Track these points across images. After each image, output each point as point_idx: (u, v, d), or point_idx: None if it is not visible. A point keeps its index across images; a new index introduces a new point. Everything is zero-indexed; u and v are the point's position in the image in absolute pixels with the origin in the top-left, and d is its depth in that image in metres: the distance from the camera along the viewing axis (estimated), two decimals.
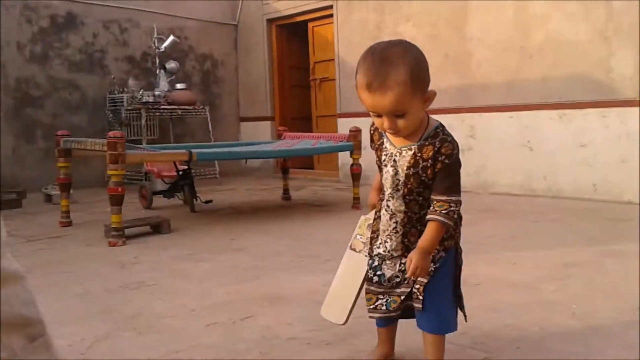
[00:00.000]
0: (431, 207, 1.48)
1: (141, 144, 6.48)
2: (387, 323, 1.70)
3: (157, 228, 4.00)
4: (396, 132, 1.47)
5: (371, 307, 1.61)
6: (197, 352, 1.90)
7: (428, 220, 1.48)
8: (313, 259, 3.17)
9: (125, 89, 6.90)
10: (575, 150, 5.19)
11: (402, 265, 1.55)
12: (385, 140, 1.56)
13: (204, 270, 2.98)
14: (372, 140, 1.63)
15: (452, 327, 1.58)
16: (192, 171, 5.13)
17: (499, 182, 5.68)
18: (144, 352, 1.91)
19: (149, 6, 7.45)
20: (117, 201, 3.65)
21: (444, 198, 1.46)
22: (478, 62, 5.82)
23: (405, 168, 1.49)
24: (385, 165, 1.55)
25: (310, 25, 7.79)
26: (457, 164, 1.48)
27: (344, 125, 6.68)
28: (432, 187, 1.50)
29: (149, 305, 2.42)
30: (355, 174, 4.92)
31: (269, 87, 8.23)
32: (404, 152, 1.51)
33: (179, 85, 7.10)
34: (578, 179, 5.18)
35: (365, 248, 1.69)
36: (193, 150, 4.09)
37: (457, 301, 1.63)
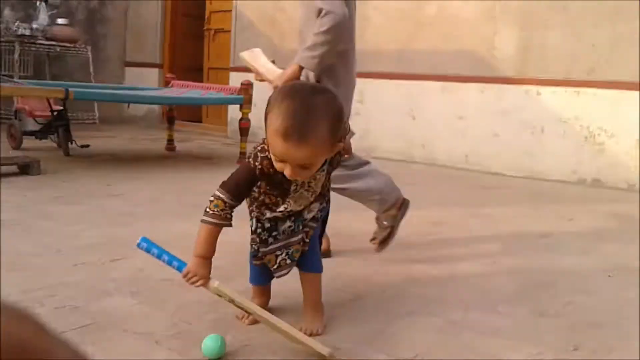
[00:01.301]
0: None
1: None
2: (268, 280, 1.69)
3: (26, 169, 3.72)
4: (295, 179, 1.41)
5: (275, 267, 1.60)
6: (60, 290, 1.81)
7: None
8: (192, 208, 3.08)
9: (0, 19, 6.27)
10: (453, 121, 5.48)
11: (296, 213, 1.59)
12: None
13: (74, 213, 2.82)
14: (262, 173, 1.45)
15: (322, 265, 1.68)
16: (69, 113, 4.80)
17: (381, 147, 5.88)
18: (3, 290, 1.79)
19: None
20: None
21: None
22: (374, 27, 5.92)
23: (320, 185, 1.56)
24: (296, 191, 1.51)
25: None
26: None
27: (237, 80, 6.51)
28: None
29: (10, 244, 2.25)
30: (244, 129, 4.87)
31: (160, 33, 7.85)
32: (317, 176, 1.51)
33: (60, 21, 6.55)
34: (452, 148, 5.49)
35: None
36: (70, 89, 3.83)
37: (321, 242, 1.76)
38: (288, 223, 1.58)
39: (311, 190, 1.54)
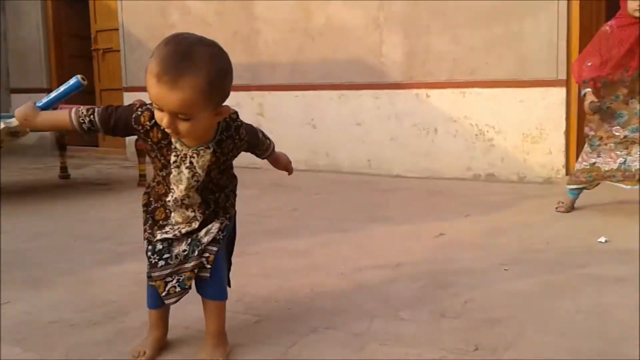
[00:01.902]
0: (259, 154, 1.71)
1: None
2: (163, 303, 1.56)
3: None
4: (175, 134, 1.36)
5: (164, 293, 1.50)
6: None
7: (268, 156, 1.75)
8: (86, 239, 2.95)
9: None
10: (352, 128, 5.60)
11: (189, 238, 1.51)
12: (173, 139, 1.42)
13: None
14: (145, 133, 1.42)
15: (226, 293, 1.61)
16: None
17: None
18: None
19: None
20: None
21: (260, 144, 1.66)
22: (265, 41, 5.94)
23: (205, 167, 1.44)
24: (178, 167, 1.44)
25: None
26: (249, 129, 1.57)
27: (131, 100, 6.33)
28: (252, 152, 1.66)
29: None
30: (141, 150, 4.69)
31: (45, 56, 7.45)
32: (201, 152, 1.43)
33: None
34: (354, 154, 5.60)
35: None
36: None
37: (229, 267, 1.67)
38: (183, 247, 1.50)
39: (193, 170, 1.44)
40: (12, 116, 4.99)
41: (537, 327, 1.79)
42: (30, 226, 3.24)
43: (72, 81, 1.58)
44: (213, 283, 1.52)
